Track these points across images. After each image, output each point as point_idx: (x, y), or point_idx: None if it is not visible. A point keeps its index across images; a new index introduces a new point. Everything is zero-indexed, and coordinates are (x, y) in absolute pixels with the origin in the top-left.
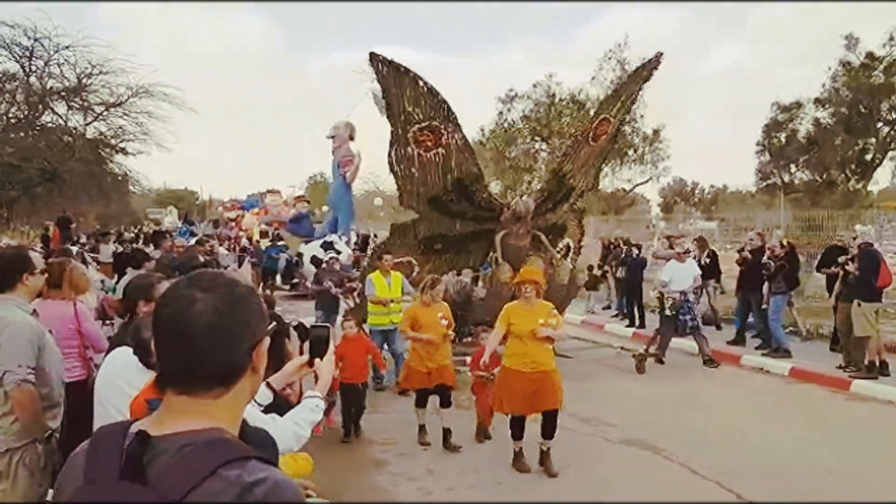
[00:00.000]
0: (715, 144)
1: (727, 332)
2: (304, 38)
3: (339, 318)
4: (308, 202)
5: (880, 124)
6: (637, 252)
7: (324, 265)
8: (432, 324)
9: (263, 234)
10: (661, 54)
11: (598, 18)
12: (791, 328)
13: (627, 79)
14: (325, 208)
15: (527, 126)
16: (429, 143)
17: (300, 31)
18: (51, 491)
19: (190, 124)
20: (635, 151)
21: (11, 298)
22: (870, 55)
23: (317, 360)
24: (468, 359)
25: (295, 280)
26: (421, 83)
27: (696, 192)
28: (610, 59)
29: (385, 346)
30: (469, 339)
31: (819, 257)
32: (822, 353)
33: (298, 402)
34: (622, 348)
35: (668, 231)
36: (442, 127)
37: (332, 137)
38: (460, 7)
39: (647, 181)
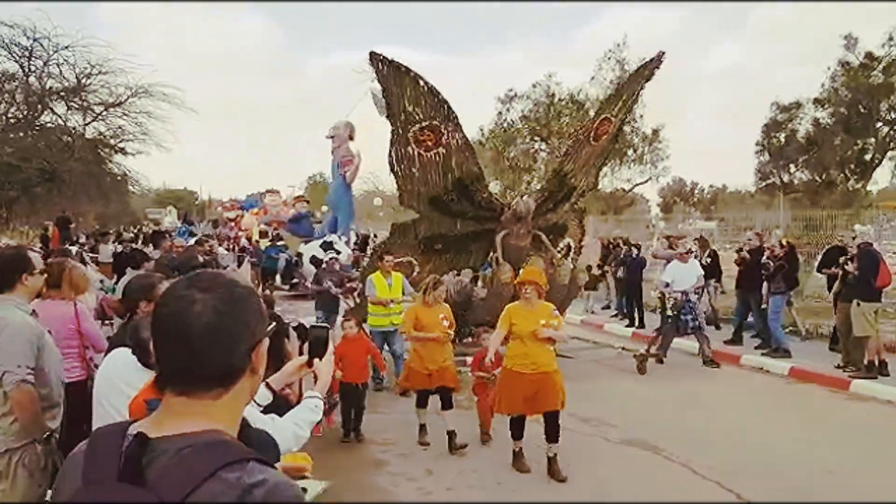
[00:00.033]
0: (714, 144)
1: (726, 332)
2: (303, 38)
3: (339, 318)
4: (307, 202)
5: (879, 124)
6: (636, 252)
7: (324, 265)
8: (434, 324)
9: (263, 234)
10: (663, 53)
11: (599, 18)
12: (790, 328)
13: (629, 78)
14: (324, 208)
15: (526, 126)
16: (429, 143)
17: (300, 31)
18: (50, 491)
19: (190, 124)
20: (635, 151)
21: (11, 299)
22: (869, 55)
23: (316, 360)
24: (468, 359)
25: (294, 280)
26: (421, 82)
27: (696, 191)
28: (609, 59)
29: (385, 347)
30: (469, 339)
31: (820, 258)
32: (822, 353)
33: (298, 402)
34: (623, 348)
35: (667, 231)
36: (442, 126)
37: (332, 137)
38: (460, 7)
39: (646, 181)
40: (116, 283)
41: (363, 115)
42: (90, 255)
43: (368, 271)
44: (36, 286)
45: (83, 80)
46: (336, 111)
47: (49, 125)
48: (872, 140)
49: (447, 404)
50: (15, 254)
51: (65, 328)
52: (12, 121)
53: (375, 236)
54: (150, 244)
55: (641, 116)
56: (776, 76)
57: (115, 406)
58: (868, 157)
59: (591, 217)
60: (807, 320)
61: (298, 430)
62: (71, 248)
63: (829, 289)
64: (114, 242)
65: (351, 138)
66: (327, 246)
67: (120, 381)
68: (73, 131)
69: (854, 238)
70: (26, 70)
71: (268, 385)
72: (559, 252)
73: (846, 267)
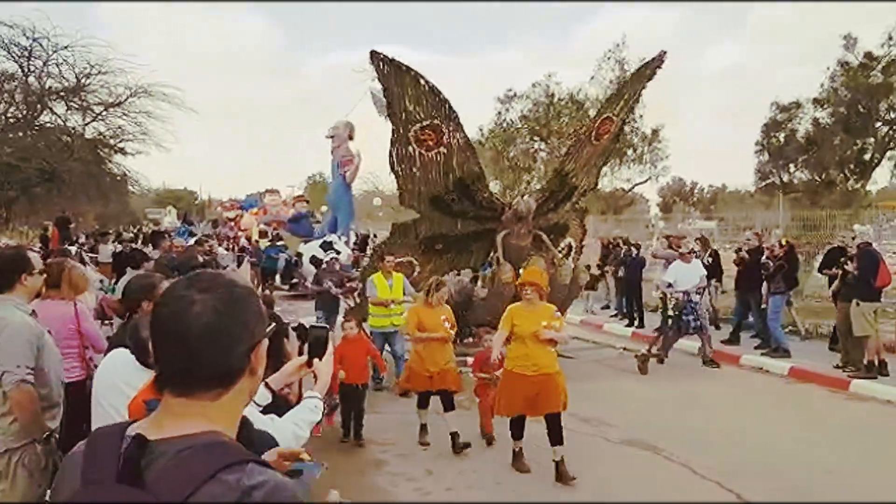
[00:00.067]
0: (714, 144)
1: (725, 332)
2: (303, 38)
3: (340, 319)
4: (307, 202)
5: (879, 124)
6: (636, 252)
7: (324, 266)
8: (436, 326)
9: (262, 234)
10: (665, 52)
11: (599, 18)
12: (790, 328)
13: (631, 77)
14: (323, 208)
15: (525, 126)
16: (430, 143)
17: (300, 31)
18: (49, 491)
19: (189, 124)
20: (634, 151)
21: (10, 299)
22: (868, 55)
23: (315, 360)
24: (469, 359)
25: (294, 280)
26: (422, 82)
27: (695, 191)
28: (609, 59)
29: (386, 348)
30: (470, 339)
31: (821, 259)
32: (822, 353)
33: (298, 402)
34: (624, 349)
35: (667, 231)
36: (443, 126)
37: (332, 137)
38: (460, 7)
39: (646, 181)
40: (116, 283)
41: (362, 114)
42: (90, 255)
43: (369, 272)
44: (35, 286)
45: (83, 80)
46: (336, 111)
47: (48, 125)
48: (872, 140)
49: (449, 406)
50: (14, 254)
51: (65, 328)
52: (12, 121)
53: (375, 236)
54: (150, 244)
55: (641, 116)
56: (776, 76)
57: (114, 406)
58: (867, 156)
59: (591, 217)
60: (806, 320)
61: (298, 431)
62: (70, 248)
63: (831, 289)
64: (113, 242)
65: (351, 138)
66: (327, 246)
67: (119, 381)
68: (73, 131)
69: (853, 238)
70: (26, 70)
71: (267, 385)
72: (560, 252)
73: (846, 267)
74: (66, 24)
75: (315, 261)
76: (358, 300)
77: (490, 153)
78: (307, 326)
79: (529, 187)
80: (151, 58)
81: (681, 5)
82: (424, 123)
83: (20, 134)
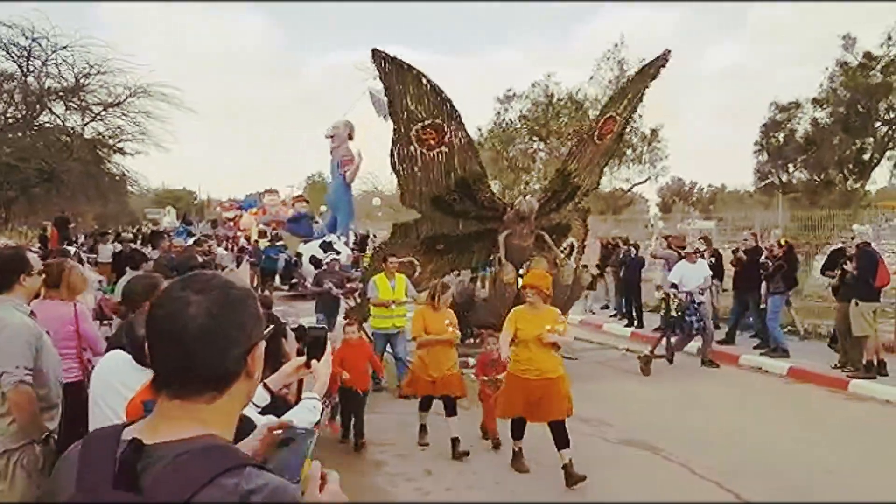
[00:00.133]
0: (714, 144)
1: (724, 332)
2: (303, 38)
3: (340, 319)
4: (307, 202)
5: (878, 124)
6: (635, 252)
7: (324, 267)
8: (440, 330)
9: (262, 234)
10: (669, 52)
11: (599, 18)
12: (789, 328)
13: (635, 77)
14: (322, 208)
15: (524, 126)
16: (431, 142)
17: (300, 31)
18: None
19: (189, 124)
20: (634, 151)
21: (9, 299)
22: (867, 55)
23: (314, 361)
24: (471, 360)
25: (294, 280)
26: (424, 81)
27: (695, 191)
28: (608, 59)
29: (388, 349)
30: (471, 340)
31: (824, 261)
32: (821, 353)
33: (297, 403)
34: (627, 350)
35: (666, 231)
36: (445, 125)
37: (331, 137)
38: (460, 7)
39: (645, 181)
40: (115, 283)
41: (361, 114)
42: (89, 255)
43: (370, 272)
44: (34, 287)
45: (82, 80)
46: (336, 111)
47: (47, 125)
48: (871, 140)
49: (451, 411)
50: (13, 254)
51: (63, 329)
52: (10, 121)
53: (375, 236)
54: (149, 244)
55: (640, 116)
56: (776, 76)
57: (111, 407)
58: (866, 156)
59: (591, 217)
60: (805, 320)
61: None
62: (69, 248)
63: (830, 284)
64: (113, 242)
65: (350, 138)
66: (327, 246)
67: (116, 382)
68: (72, 131)
69: (853, 238)
70: (25, 70)
71: (266, 386)
72: (562, 252)
73: (845, 266)
74: (66, 24)
75: (314, 261)
76: (358, 300)
77: (489, 153)
78: (307, 327)
79: (528, 187)
80: (151, 58)
81: (681, 5)
82: (426, 122)
83: (19, 134)
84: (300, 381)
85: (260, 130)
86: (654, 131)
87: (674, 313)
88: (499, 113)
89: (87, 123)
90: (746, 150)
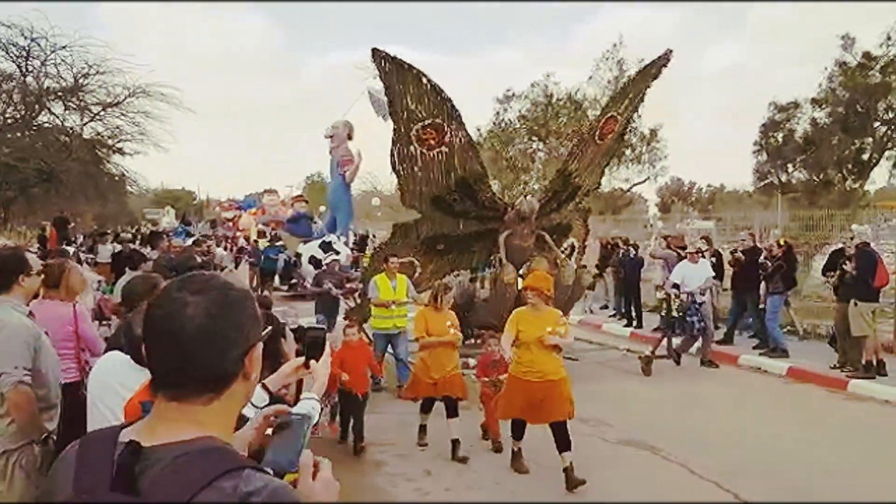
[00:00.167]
0: (713, 144)
1: (721, 332)
2: (303, 38)
3: (340, 319)
4: (306, 202)
5: (877, 124)
6: (634, 252)
7: (324, 267)
8: (442, 332)
9: (261, 235)
10: (671, 51)
11: (598, 18)
12: (788, 328)
13: (636, 76)
14: (322, 209)
15: (524, 126)
16: (432, 142)
17: (300, 31)
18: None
19: (188, 124)
20: (633, 151)
21: (7, 300)
22: (866, 55)
23: (312, 361)
24: (471, 361)
25: (293, 280)
26: (424, 80)
27: (694, 191)
28: (607, 59)
29: (389, 349)
30: (472, 340)
31: (825, 262)
32: (820, 353)
33: (295, 403)
34: (628, 350)
35: (665, 231)
36: (445, 125)
37: (331, 137)
38: (460, 7)
39: (644, 181)
40: (114, 283)
41: (360, 114)
42: (88, 255)
43: (370, 273)
44: (33, 287)
45: (81, 81)
46: (335, 111)
47: (46, 125)
48: (870, 140)
49: (452, 412)
50: (11, 255)
51: (62, 329)
52: (10, 121)
53: (374, 236)
54: (148, 245)
55: (640, 116)
56: (776, 76)
57: (109, 407)
58: (865, 156)
59: (590, 217)
60: (805, 320)
61: None
62: (68, 248)
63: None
64: (112, 242)
65: (350, 138)
66: (326, 246)
67: (114, 383)
68: (71, 131)
69: (852, 238)
70: (24, 70)
71: (264, 386)
72: (563, 252)
73: (844, 266)
74: (65, 24)
75: (314, 261)
76: (358, 301)
77: (488, 153)
78: (305, 328)
79: (527, 188)
80: (151, 58)
81: (681, 5)
82: (426, 122)
83: (18, 134)
84: (299, 382)
85: (259, 130)
86: (653, 131)
87: (675, 314)
88: (498, 113)
89: (86, 123)
90: (746, 151)
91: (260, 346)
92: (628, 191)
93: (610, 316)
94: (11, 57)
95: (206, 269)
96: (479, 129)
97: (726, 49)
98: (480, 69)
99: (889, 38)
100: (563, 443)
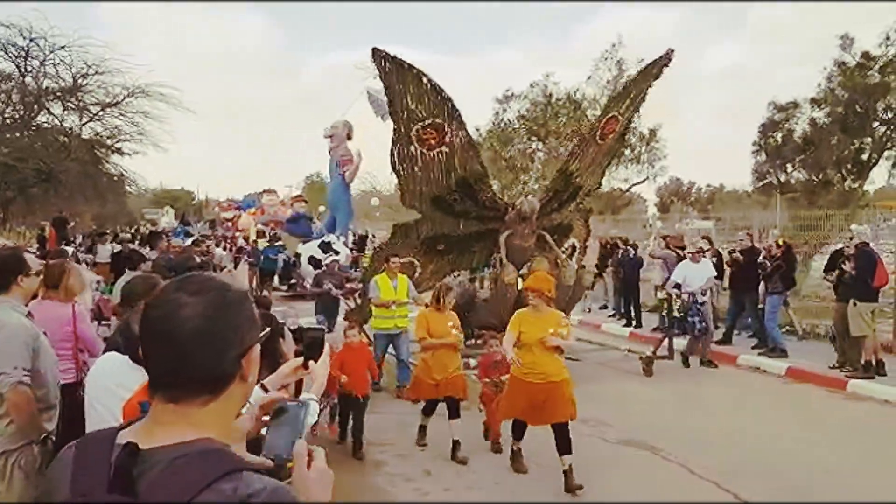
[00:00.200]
0: (712, 144)
1: (720, 332)
2: (303, 38)
3: (340, 320)
4: (306, 202)
5: (876, 124)
6: (633, 252)
7: (324, 268)
8: (444, 333)
9: (261, 235)
10: (672, 51)
11: (598, 18)
12: (787, 328)
13: (637, 76)
14: (321, 209)
15: (523, 126)
16: (432, 142)
17: (300, 31)
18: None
19: (187, 124)
20: (632, 151)
21: (6, 300)
22: (865, 55)
23: (311, 362)
24: (472, 361)
25: (293, 280)
26: (424, 80)
27: (693, 191)
28: (606, 59)
29: (390, 350)
30: (472, 341)
31: (823, 260)
32: (819, 353)
33: None
34: (629, 351)
35: (664, 231)
36: (445, 125)
37: (330, 137)
38: (460, 7)
39: (643, 181)
40: (113, 283)
41: (359, 114)
42: (87, 255)
43: (370, 273)
44: (31, 288)
45: (80, 81)
46: (335, 111)
47: (45, 125)
48: (869, 140)
49: (454, 413)
50: (10, 255)
51: (61, 330)
52: (9, 121)
53: (374, 236)
54: (147, 245)
55: (639, 116)
56: (776, 76)
57: (108, 408)
58: (865, 156)
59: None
60: (804, 320)
61: None
62: (67, 248)
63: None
64: (111, 243)
65: (349, 137)
66: (326, 246)
67: (112, 383)
68: (70, 131)
69: (851, 238)
70: (23, 70)
71: (263, 386)
72: (564, 252)
73: (843, 266)
74: (64, 25)
75: (314, 261)
76: (358, 301)
77: (488, 153)
78: (304, 328)
79: (527, 188)
80: (151, 58)
81: (681, 5)
82: (426, 122)
83: (17, 134)
84: (298, 382)
85: (259, 130)
86: (652, 131)
87: (676, 314)
88: (497, 113)
89: (86, 123)
90: (745, 150)
91: (258, 347)
92: (627, 191)
93: (609, 316)
94: (10, 57)
95: (205, 269)
96: (478, 129)
97: (726, 49)
98: (480, 69)
99: (888, 38)
100: (564, 445)
